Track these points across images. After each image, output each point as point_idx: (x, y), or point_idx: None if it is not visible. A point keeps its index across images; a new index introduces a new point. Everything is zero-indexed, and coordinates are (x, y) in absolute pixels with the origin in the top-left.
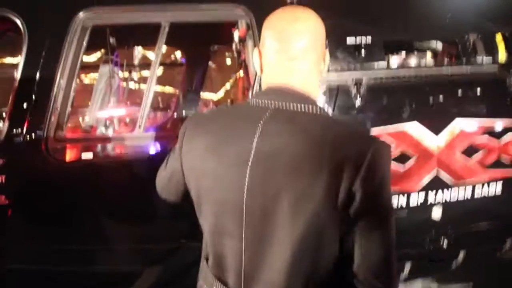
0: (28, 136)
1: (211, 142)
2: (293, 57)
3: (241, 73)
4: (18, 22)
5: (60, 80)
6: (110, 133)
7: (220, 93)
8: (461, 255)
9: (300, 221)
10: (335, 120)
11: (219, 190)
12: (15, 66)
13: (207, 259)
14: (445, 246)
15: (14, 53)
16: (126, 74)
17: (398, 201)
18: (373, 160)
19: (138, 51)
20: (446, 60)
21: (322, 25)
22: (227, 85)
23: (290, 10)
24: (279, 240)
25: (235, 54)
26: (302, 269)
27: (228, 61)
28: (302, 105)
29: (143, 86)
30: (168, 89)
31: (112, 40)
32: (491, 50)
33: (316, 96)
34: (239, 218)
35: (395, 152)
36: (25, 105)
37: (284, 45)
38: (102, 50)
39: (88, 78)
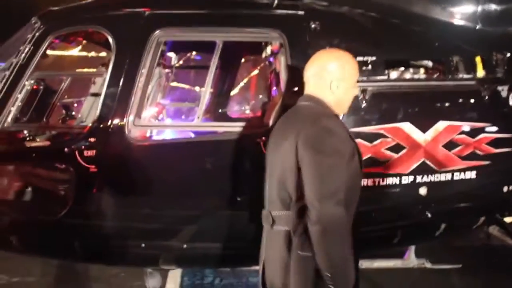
0: (114, 122)
1: None
2: (307, 77)
3: (272, 77)
4: (110, 38)
5: (139, 81)
6: (175, 122)
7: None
8: (442, 226)
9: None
10: (314, 109)
11: None
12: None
13: None
14: (429, 218)
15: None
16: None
17: (393, 180)
18: (310, 133)
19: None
20: (434, 75)
21: (334, 64)
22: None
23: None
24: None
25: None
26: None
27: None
28: (307, 102)
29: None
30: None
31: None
32: (471, 69)
33: (326, 101)
34: None
35: (392, 143)
36: (112, 100)
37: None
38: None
39: None
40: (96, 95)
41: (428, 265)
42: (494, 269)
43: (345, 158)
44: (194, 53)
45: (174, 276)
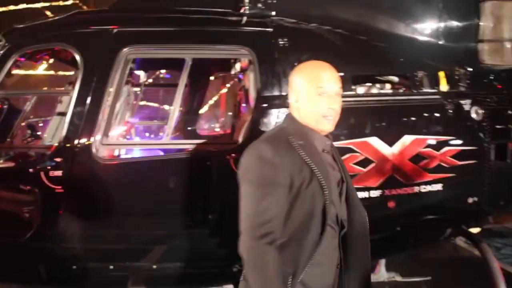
0: (81, 141)
1: None
2: None
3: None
4: (77, 56)
5: (107, 100)
6: (143, 140)
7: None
8: (411, 239)
9: None
10: (273, 131)
11: None
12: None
13: None
14: (398, 231)
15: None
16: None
17: (362, 194)
18: (243, 160)
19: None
20: (400, 90)
21: (292, 77)
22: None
23: None
24: None
25: (238, 81)
26: None
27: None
28: (281, 123)
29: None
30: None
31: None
32: (435, 84)
33: (296, 118)
34: None
35: (360, 157)
36: (79, 118)
37: None
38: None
39: None
40: (63, 114)
41: (399, 278)
42: (462, 279)
43: (278, 186)
44: (164, 71)
45: None
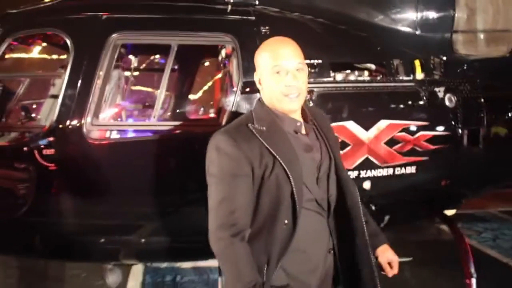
0: (72, 122)
1: None
2: None
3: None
4: (68, 41)
5: (97, 83)
6: (131, 121)
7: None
8: (386, 218)
9: None
10: (240, 116)
11: None
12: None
13: None
14: (373, 211)
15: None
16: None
17: None
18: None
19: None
20: (377, 77)
21: (256, 57)
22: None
23: None
24: None
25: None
26: None
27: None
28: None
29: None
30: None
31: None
32: (410, 71)
33: (264, 100)
34: None
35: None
36: (70, 100)
37: None
38: None
39: None
40: (56, 96)
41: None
42: (442, 261)
43: (239, 177)
44: (157, 56)
45: (136, 274)
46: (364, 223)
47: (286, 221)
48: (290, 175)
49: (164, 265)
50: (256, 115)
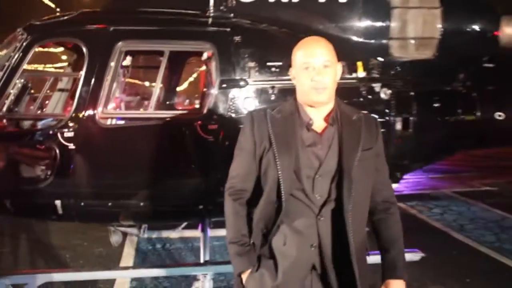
0: (88, 111)
1: None
2: None
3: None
4: (84, 48)
5: (107, 80)
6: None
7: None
8: None
9: None
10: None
11: None
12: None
13: None
14: None
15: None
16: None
17: None
18: None
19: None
20: None
21: (292, 55)
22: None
23: None
24: None
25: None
26: None
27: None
28: None
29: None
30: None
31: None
32: (354, 71)
33: (297, 93)
34: None
35: None
36: (85, 95)
37: None
38: None
39: None
40: (63, 90)
41: None
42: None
43: (244, 151)
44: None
45: (131, 242)
46: (352, 238)
47: (275, 202)
48: (277, 161)
49: (154, 235)
50: (282, 105)
